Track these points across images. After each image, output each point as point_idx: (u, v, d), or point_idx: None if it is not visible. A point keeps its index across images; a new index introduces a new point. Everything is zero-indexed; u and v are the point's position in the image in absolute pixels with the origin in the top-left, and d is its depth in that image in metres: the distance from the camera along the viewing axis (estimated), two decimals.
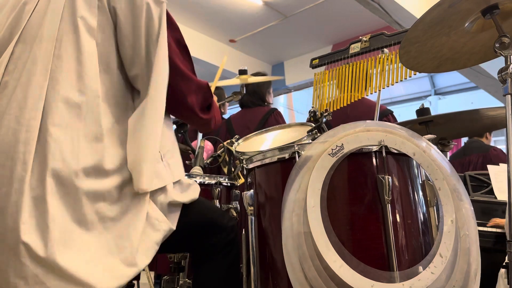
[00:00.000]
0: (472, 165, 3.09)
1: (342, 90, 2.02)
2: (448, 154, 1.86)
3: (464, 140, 6.94)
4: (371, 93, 1.94)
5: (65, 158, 0.82)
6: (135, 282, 1.61)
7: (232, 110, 6.46)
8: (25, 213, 0.77)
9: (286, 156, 1.06)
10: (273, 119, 2.70)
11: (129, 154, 0.91)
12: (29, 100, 0.83)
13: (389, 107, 2.55)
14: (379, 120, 2.20)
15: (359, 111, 2.33)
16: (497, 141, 7.50)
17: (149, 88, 0.93)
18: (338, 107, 2.04)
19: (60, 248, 0.79)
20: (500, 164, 2.05)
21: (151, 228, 0.93)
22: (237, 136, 1.67)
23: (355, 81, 1.97)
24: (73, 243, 0.81)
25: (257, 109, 2.80)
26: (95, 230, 0.85)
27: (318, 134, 1.33)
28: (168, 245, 1.02)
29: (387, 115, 2.41)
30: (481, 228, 1.71)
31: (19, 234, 0.76)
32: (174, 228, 0.99)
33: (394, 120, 2.46)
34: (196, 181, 1.54)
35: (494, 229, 1.69)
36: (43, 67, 0.86)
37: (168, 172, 1.00)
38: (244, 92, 2.35)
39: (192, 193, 1.07)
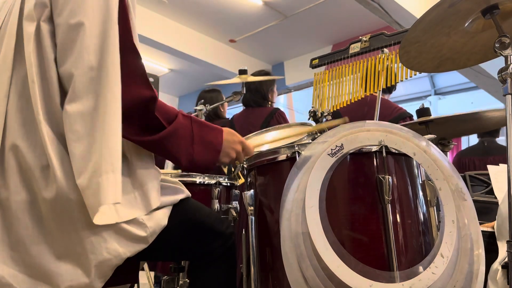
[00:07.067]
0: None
1: (342, 90, 2.02)
2: (449, 154, 1.86)
3: (463, 140, 6.94)
4: (371, 93, 1.94)
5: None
6: None
7: (232, 110, 6.46)
8: None
9: (286, 156, 1.06)
10: (275, 121, 2.66)
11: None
12: None
13: None
14: (397, 122, 2.17)
15: (379, 112, 2.28)
16: (497, 141, 7.46)
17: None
18: (338, 107, 2.04)
19: None
20: (500, 164, 2.05)
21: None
22: None
23: (355, 81, 1.97)
24: None
25: (260, 110, 2.76)
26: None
27: (318, 134, 1.33)
28: (164, 251, 1.01)
29: (404, 118, 2.31)
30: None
31: None
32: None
33: None
34: (196, 181, 1.54)
35: (485, 228, 1.68)
36: (5, 65, 0.86)
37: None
38: (244, 92, 2.35)
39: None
